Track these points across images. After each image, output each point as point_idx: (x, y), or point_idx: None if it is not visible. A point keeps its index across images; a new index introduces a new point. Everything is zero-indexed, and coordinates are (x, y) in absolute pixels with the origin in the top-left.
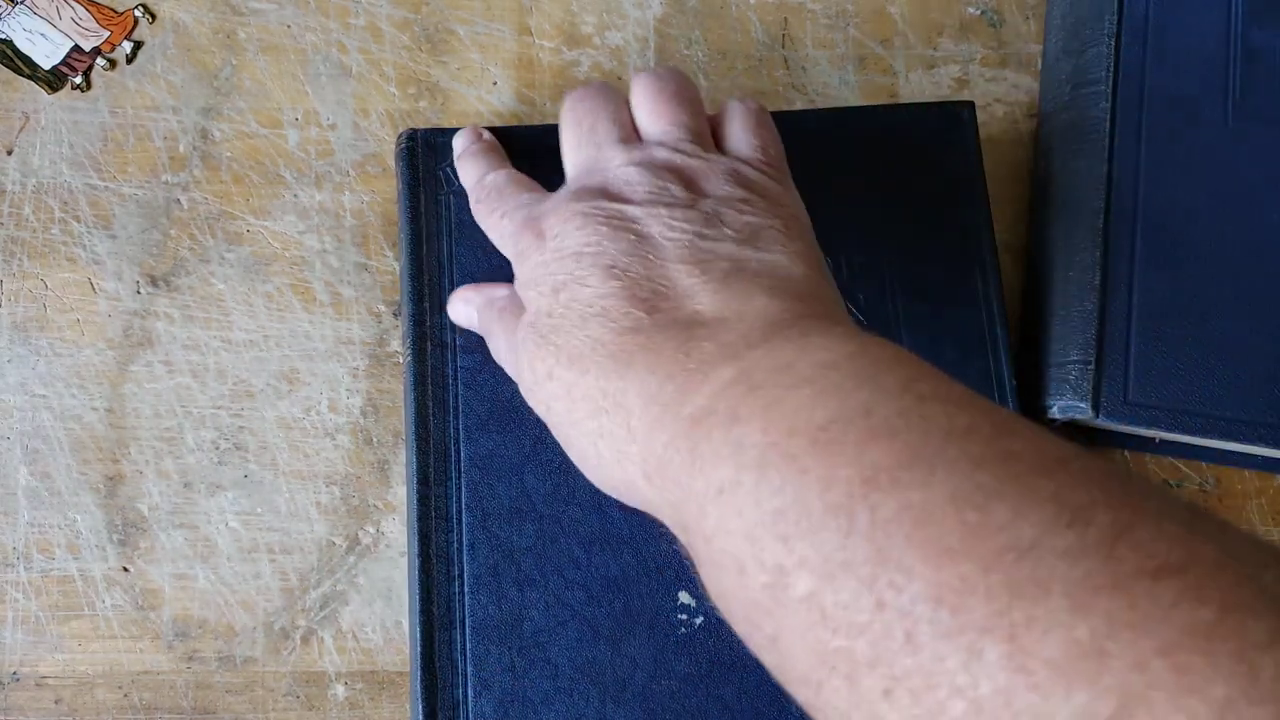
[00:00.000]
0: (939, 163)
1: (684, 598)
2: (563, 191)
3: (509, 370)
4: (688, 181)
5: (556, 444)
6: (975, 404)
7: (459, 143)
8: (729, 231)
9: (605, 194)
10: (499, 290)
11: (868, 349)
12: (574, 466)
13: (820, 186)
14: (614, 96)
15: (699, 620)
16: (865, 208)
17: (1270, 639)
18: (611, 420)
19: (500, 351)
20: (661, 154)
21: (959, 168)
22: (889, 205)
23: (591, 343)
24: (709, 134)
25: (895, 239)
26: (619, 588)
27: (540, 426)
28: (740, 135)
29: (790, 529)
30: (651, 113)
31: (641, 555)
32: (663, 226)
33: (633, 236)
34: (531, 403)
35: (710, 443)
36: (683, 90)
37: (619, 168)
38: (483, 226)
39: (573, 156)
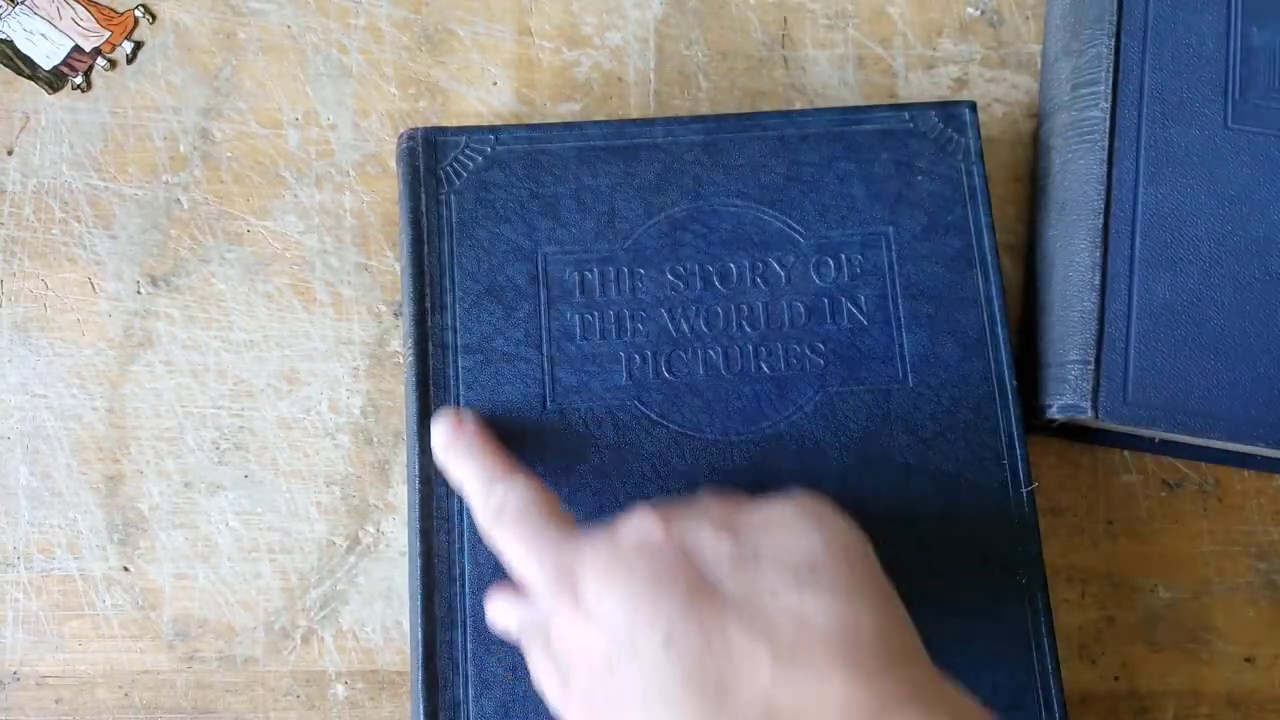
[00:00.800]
0: (941, 163)
1: None
2: (598, 537)
3: (550, 703)
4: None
5: (558, 446)
6: None
7: (442, 432)
8: (778, 571)
9: (649, 553)
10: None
11: None
12: (575, 467)
13: (821, 187)
14: None
15: None
16: (867, 208)
17: None
18: None
19: (541, 683)
20: (712, 511)
21: (960, 168)
22: (890, 206)
23: None
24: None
25: (897, 239)
26: None
27: (541, 428)
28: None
29: None
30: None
31: None
32: (714, 554)
33: (683, 584)
34: None
35: None
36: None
37: (661, 531)
38: (495, 547)
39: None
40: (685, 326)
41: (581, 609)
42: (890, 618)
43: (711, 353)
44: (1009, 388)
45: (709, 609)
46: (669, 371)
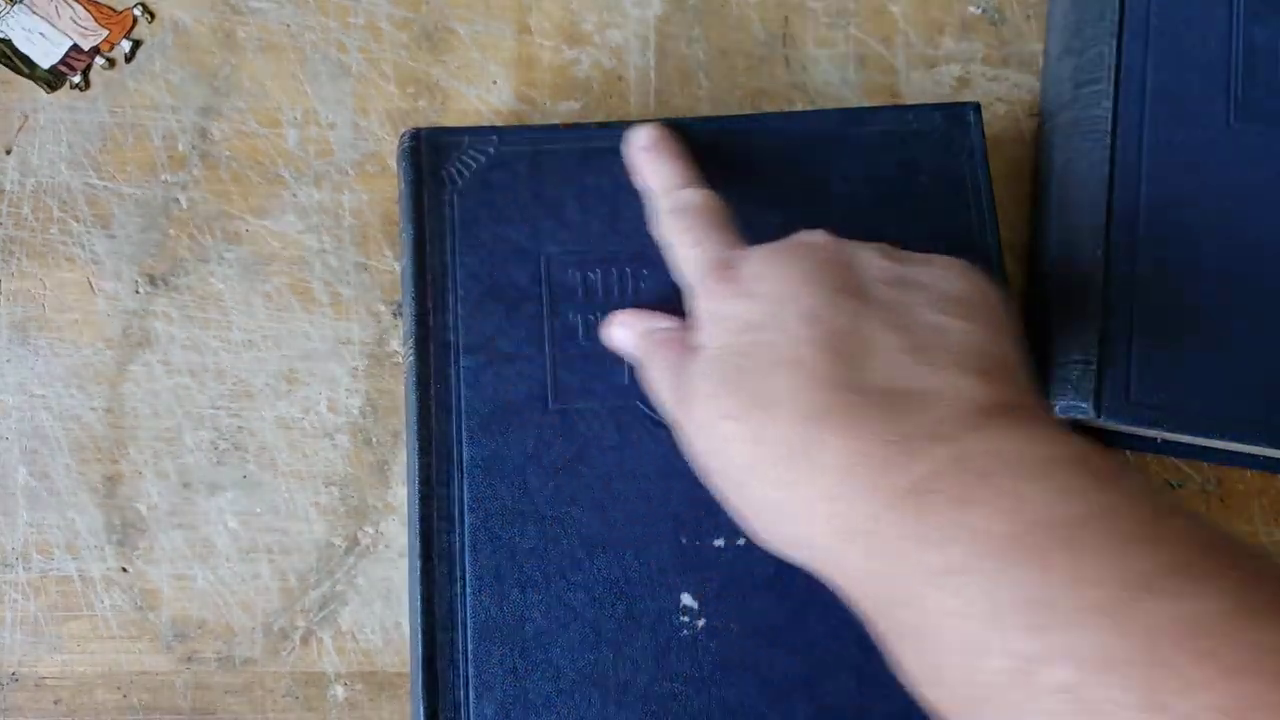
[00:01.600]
0: (944, 165)
1: (686, 600)
2: (762, 246)
3: (666, 403)
4: (885, 254)
5: (559, 445)
6: (1205, 520)
7: (645, 135)
8: (927, 296)
9: (809, 249)
10: (662, 321)
11: (1090, 451)
12: (577, 468)
13: (825, 188)
14: None
15: (701, 623)
16: (870, 209)
17: None
18: (800, 472)
19: (659, 383)
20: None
21: (964, 170)
22: (894, 207)
23: (785, 390)
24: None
25: (900, 241)
26: (621, 590)
27: (543, 429)
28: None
29: (1043, 620)
30: None
31: (644, 558)
32: (870, 268)
33: (838, 278)
34: (695, 441)
35: (934, 520)
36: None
37: (823, 235)
38: (662, 238)
39: None
40: None
41: (733, 286)
42: (1017, 358)
43: None
44: None
45: (855, 304)
46: None
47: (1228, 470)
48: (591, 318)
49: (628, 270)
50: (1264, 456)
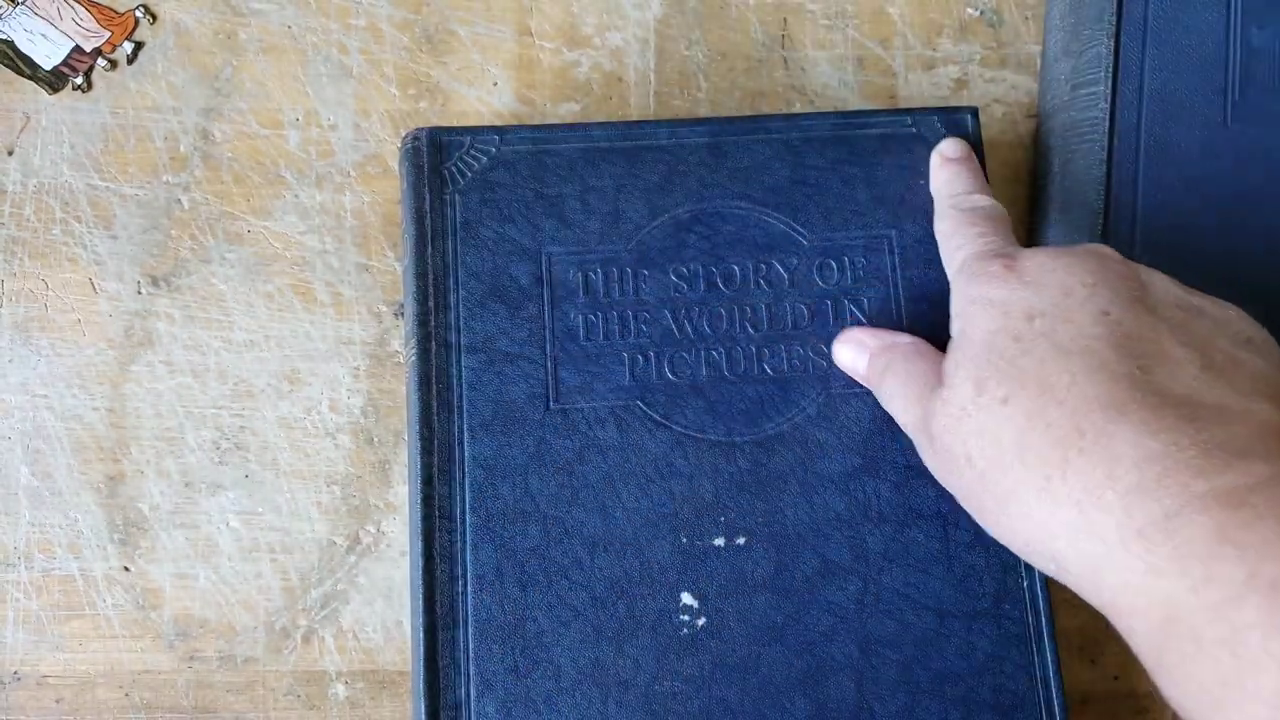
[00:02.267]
0: None
1: (687, 599)
2: (1046, 247)
3: (909, 408)
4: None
5: (560, 445)
6: None
7: (955, 147)
8: (1218, 328)
9: (1093, 251)
10: (899, 336)
11: None
12: (578, 468)
13: (824, 190)
14: None
15: (701, 622)
16: (869, 211)
17: None
18: (1086, 460)
19: (901, 390)
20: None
21: None
22: (893, 210)
23: (1073, 377)
24: None
25: (899, 243)
26: (622, 589)
27: (545, 429)
28: None
29: None
30: None
31: (644, 557)
32: (1161, 290)
33: (1130, 288)
34: (956, 426)
35: (1254, 535)
36: None
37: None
38: (944, 230)
39: None
40: (689, 328)
41: (1014, 275)
42: None
43: (715, 354)
44: None
45: (1147, 317)
46: (672, 372)
47: None
48: (593, 318)
49: (629, 270)
50: None
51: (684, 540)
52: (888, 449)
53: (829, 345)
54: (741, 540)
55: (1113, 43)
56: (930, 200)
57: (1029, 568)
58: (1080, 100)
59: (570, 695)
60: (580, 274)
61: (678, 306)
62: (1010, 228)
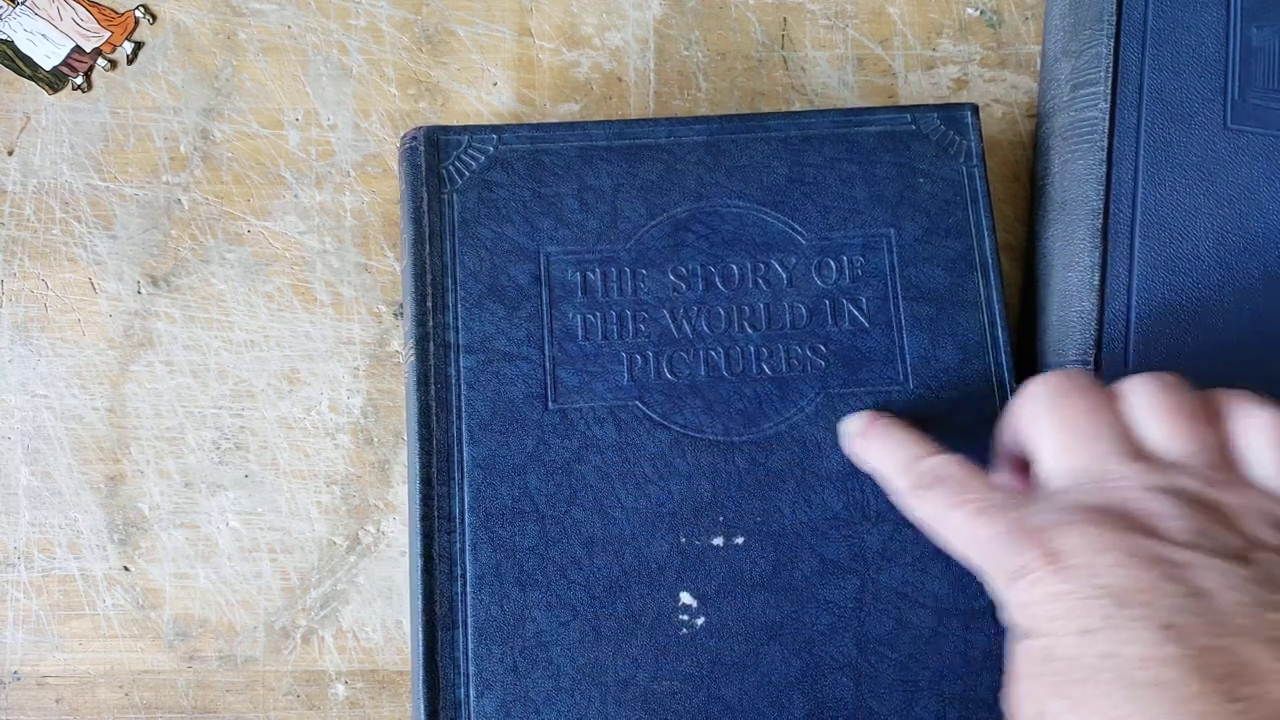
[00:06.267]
0: (942, 166)
1: (685, 598)
2: (1057, 498)
3: (983, 560)
4: (1226, 522)
5: (559, 445)
6: None
7: (858, 423)
8: None
9: (1129, 523)
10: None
11: None
12: (576, 468)
13: (823, 189)
14: (1106, 397)
15: (700, 621)
16: (867, 210)
17: None
18: None
19: (953, 530)
20: (1190, 484)
21: (962, 171)
22: (892, 208)
23: (1145, 718)
24: (1229, 454)
25: (898, 242)
26: (620, 588)
27: (543, 429)
28: (1268, 458)
29: None
30: (1169, 428)
31: (643, 556)
32: (1221, 583)
33: (1186, 590)
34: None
35: None
36: (1198, 402)
37: (1140, 492)
38: (929, 519)
39: (1062, 458)
40: (687, 327)
41: (1055, 571)
42: None
43: (713, 353)
44: (1009, 390)
45: (1216, 618)
46: (670, 372)
47: None
48: (591, 317)
49: (627, 270)
50: None
51: (682, 540)
52: None
53: (827, 345)
54: (740, 540)
55: (1113, 43)
56: (930, 197)
57: None
58: (1080, 100)
59: (569, 695)
60: (578, 274)
61: (676, 306)
62: (978, 473)
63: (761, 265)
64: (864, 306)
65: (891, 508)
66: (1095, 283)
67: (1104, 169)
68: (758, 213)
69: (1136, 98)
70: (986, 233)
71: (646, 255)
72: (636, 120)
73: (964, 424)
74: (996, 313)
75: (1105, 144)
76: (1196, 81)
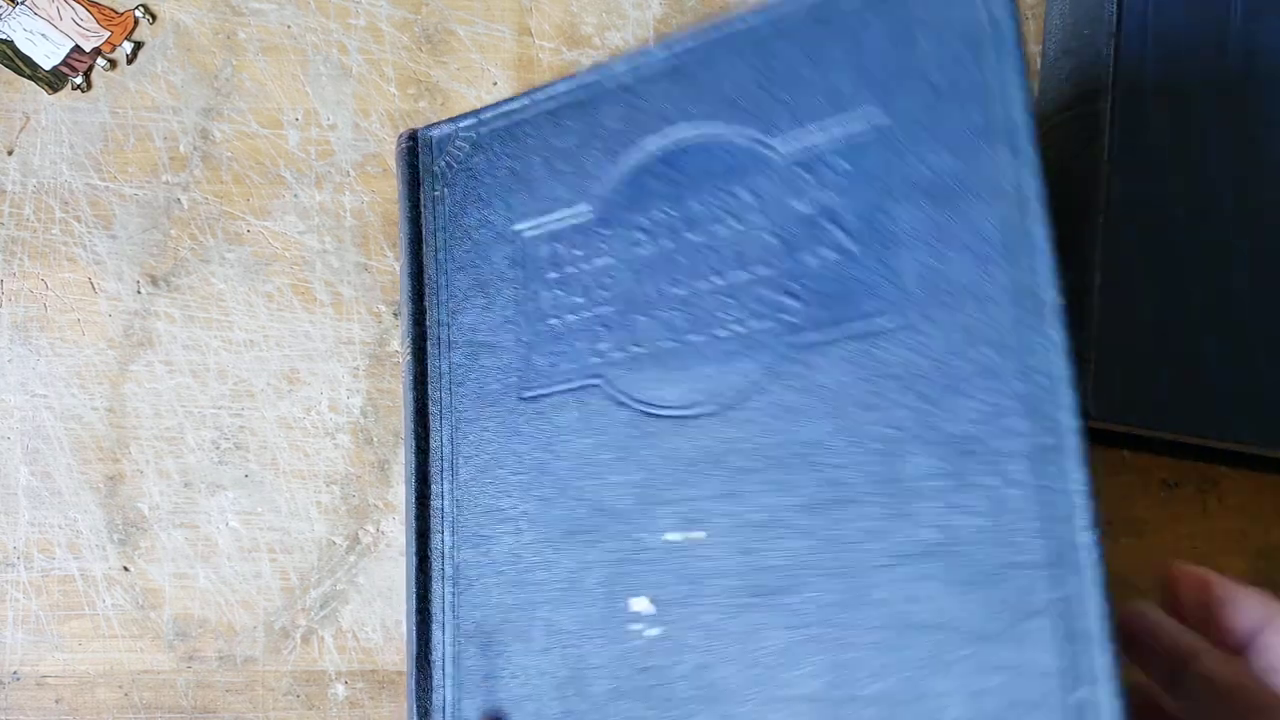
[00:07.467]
0: (950, 8)
1: (643, 602)
2: None
3: None
4: None
5: (530, 436)
6: None
7: (1191, 571)
8: None
9: None
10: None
11: None
12: (545, 459)
13: (797, 84)
14: None
15: (657, 629)
16: (852, 96)
17: None
18: None
19: None
20: None
21: (978, 7)
22: (883, 86)
23: None
24: None
25: (891, 127)
26: (585, 587)
27: (517, 419)
28: None
29: None
30: None
31: (609, 552)
32: None
33: None
34: None
35: None
36: None
37: None
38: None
39: None
40: (650, 287)
41: None
42: None
43: (675, 315)
44: (1049, 307)
45: None
46: (634, 343)
47: (1223, 470)
48: (560, 292)
49: (593, 233)
50: (1261, 456)
51: (644, 535)
52: (873, 412)
53: (803, 283)
54: (702, 533)
55: (1113, 41)
56: (933, 58)
57: None
58: (1081, 99)
59: (543, 699)
60: (548, 247)
61: (638, 265)
62: None
63: (726, 196)
64: (847, 224)
65: (883, 487)
66: (1095, 282)
67: (1104, 168)
68: (722, 135)
69: (1137, 96)
70: (1016, 91)
71: (611, 213)
72: (598, 64)
73: (981, 367)
74: (1031, 199)
75: (1106, 143)
76: (1197, 80)
